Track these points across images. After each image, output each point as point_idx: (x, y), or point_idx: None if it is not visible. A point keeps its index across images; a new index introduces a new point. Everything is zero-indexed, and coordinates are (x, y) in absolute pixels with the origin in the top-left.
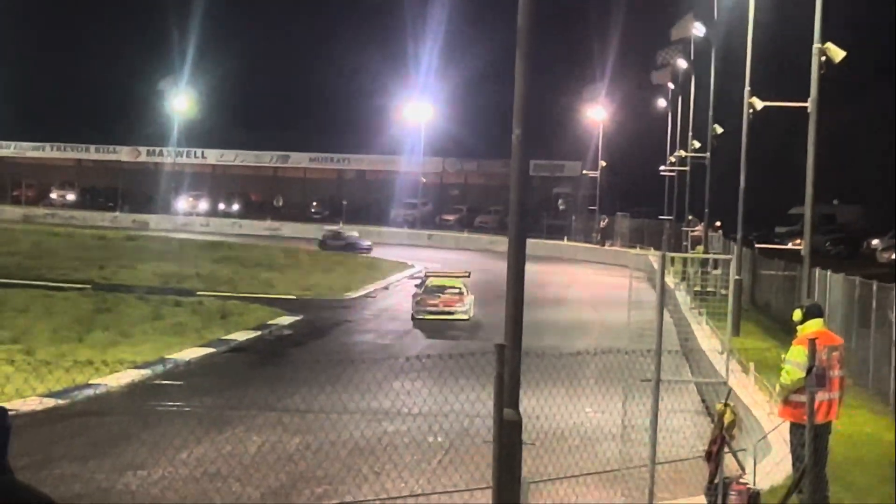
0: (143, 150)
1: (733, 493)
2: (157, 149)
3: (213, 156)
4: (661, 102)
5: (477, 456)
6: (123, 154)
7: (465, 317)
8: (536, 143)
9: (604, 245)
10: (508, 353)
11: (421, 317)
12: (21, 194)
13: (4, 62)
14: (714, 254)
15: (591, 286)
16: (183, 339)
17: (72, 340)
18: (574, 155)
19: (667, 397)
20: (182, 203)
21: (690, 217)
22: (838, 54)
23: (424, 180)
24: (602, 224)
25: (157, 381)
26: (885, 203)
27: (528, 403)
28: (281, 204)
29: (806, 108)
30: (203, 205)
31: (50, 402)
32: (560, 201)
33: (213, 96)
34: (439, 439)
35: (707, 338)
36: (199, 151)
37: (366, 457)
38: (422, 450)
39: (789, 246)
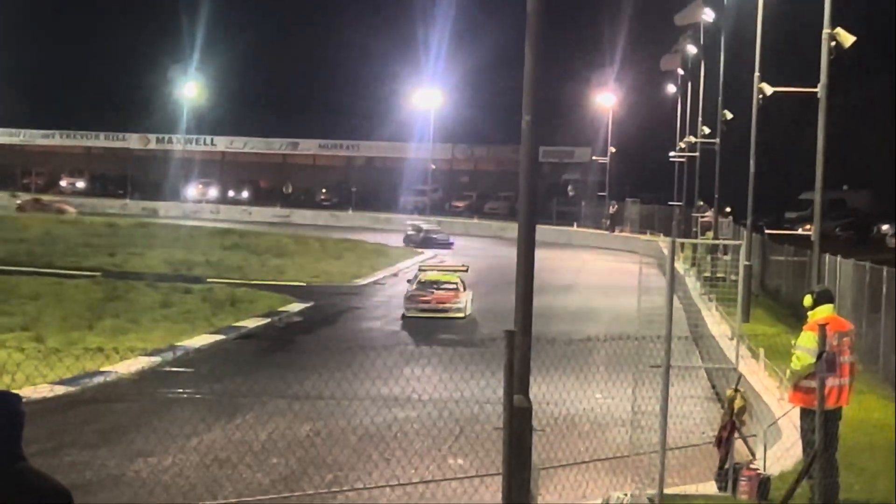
0: (152, 137)
1: (744, 478)
2: (167, 136)
3: (222, 143)
4: (671, 88)
5: (487, 442)
6: (133, 141)
7: (461, 314)
8: (546, 129)
9: (613, 231)
10: (518, 339)
11: (412, 314)
12: (31, 182)
13: (14, 50)
14: (724, 239)
15: (601, 272)
16: (193, 327)
17: (82, 328)
18: (583, 141)
19: (677, 383)
20: (191, 190)
21: (700, 203)
22: (848, 39)
23: (434, 167)
24: (612, 210)
25: (167, 369)
26: (894, 188)
27: (539, 390)
28: (290, 191)
29: (816, 93)
30: (212, 192)
31: (60, 390)
32: (570, 187)
33: (222, 83)
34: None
35: (717, 324)
36: (208, 138)
37: (376, 443)
38: (432, 436)
39: (799, 231)
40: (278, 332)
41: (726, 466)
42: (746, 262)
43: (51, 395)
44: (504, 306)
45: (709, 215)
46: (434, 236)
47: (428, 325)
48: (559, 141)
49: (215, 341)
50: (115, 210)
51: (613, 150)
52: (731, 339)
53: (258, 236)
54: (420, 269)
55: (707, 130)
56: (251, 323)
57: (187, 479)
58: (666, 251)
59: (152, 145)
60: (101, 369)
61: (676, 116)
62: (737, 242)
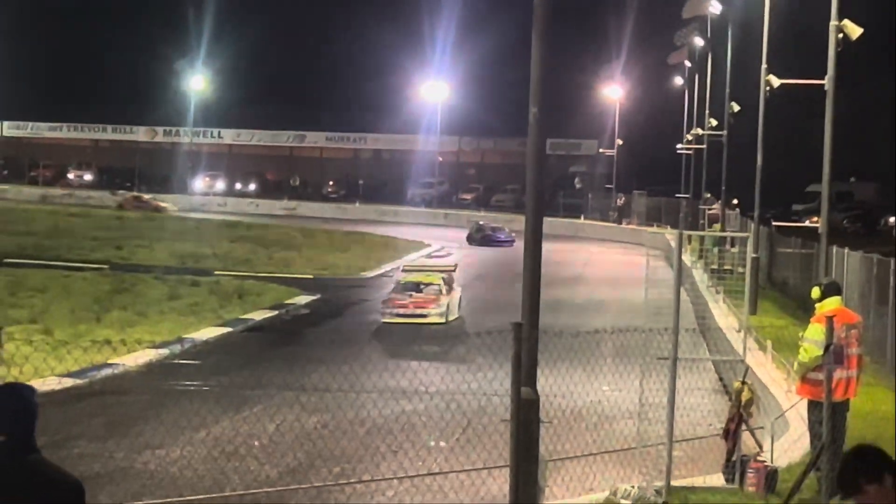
0: (159, 130)
1: (751, 470)
2: (174, 129)
3: (229, 135)
4: (678, 80)
5: (495, 434)
6: (140, 134)
7: (441, 320)
8: (553, 121)
9: (621, 223)
10: (526, 331)
11: (388, 321)
12: (38, 175)
13: (22, 43)
14: (731, 231)
15: (608, 264)
16: (200, 319)
17: (90, 320)
18: (590, 133)
19: (684, 375)
20: (199, 183)
21: (707, 195)
22: (855, 31)
23: (441, 159)
24: (619, 202)
25: (174, 361)
26: None
27: (546, 382)
28: (297, 183)
29: (823, 85)
30: (220, 184)
31: (68, 382)
32: (576, 179)
33: (229, 76)
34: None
35: (724, 316)
36: (215, 131)
37: (383, 435)
38: (439, 428)
39: (806, 223)
40: (285, 324)
41: (734, 458)
42: (754, 255)
43: (59, 387)
44: (502, 304)
45: (716, 207)
46: (493, 234)
47: (402, 333)
48: (566, 133)
49: (223, 334)
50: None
51: (620, 142)
52: (739, 331)
53: (265, 229)
54: (403, 270)
55: (714, 123)
56: (258, 315)
57: (195, 471)
58: (673, 243)
59: (159, 138)
60: (109, 361)
61: (683, 109)
62: (744, 234)
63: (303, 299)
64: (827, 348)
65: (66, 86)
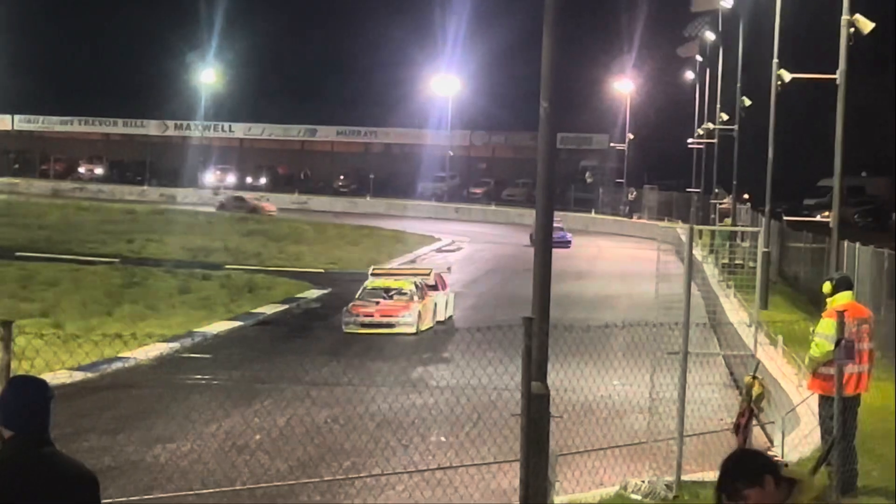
0: (170, 123)
1: None
2: (185, 122)
3: (240, 129)
4: (689, 75)
5: (505, 429)
6: (151, 128)
7: (411, 330)
8: (563, 115)
9: (631, 218)
10: (536, 326)
11: (349, 330)
12: (49, 168)
13: (33, 37)
14: (742, 226)
15: (619, 259)
16: (211, 313)
17: (100, 314)
18: (601, 128)
19: (695, 370)
20: (210, 176)
21: (718, 190)
22: (867, 26)
23: (452, 153)
24: (630, 197)
25: (185, 355)
26: None
27: (556, 376)
28: (308, 177)
29: (835, 79)
30: (230, 178)
31: (79, 376)
32: (587, 174)
33: (240, 70)
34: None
35: (735, 310)
36: (226, 125)
37: (394, 430)
38: (450, 423)
39: (818, 218)
40: (296, 318)
41: None
42: (765, 249)
43: (70, 381)
44: (515, 299)
45: (727, 202)
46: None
47: (363, 344)
48: (577, 127)
49: (233, 327)
50: (134, 196)
51: (632, 136)
52: (750, 325)
53: (276, 223)
54: (371, 273)
55: (725, 117)
56: (269, 309)
57: (206, 464)
58: (684, 238)
59: (170, 132)
60: (120, 355)
61: (694, 103)
62: (755, 229)
63: (313, 293)
64: (838, 343)
65: (77, 79)
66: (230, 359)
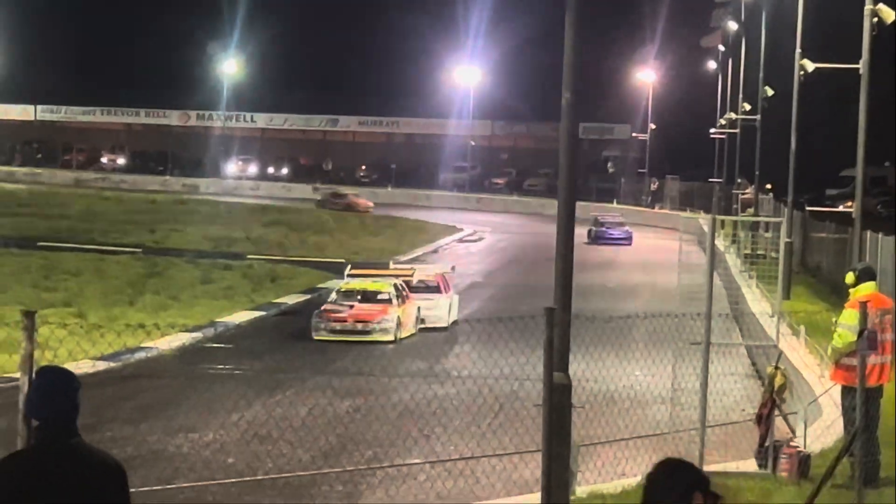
0: (192, 114)
1: (784, 455)
2: (207, 113)
3: (262, 119)
4: (712, 65)
5: (527, 419)
6: (173, 118)
7: (388, 337)
8: (585, 105)
9: (653, 208)
10: (558, 316)
11: (319, 337)
12: (72, 158)
13: (55, 27)
14: (764, 216)
15: (641, 249)
16: (233, 303)
17: (123, 304)
18: (623, 118)
19: (717, 360)
20: (231, 167)
21: (740, 180)
22: (890, 16)
23: (473, 143)
24: (652, 187)
25: (207, 345)
26: None
27: (578, 367)
28: (330, 168)
29: (858, 69)
30: (252, 168)
31: (102, 365)
32: (609, 164)
33: (262, 60)
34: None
35: (757, 301)
36: (248, 115)
37: (415, 420)
38: (471, 413)
39: (840, 208)
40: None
41: (766, 444)
42: (787, 239)
43: (92, 370)
44: (538, 289)
45: (749, 192)
46: (607, 230)
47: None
48: (599, 117)
49: (255, 318)
50: (156, 187)
51: (654, 126)
52: (772, 316)
53: (298, 213)
54: (348, 274)
55: (748, 107)
56: (291, 299)
57: (228, 454)
58: (706, 228)
59: (192, 122)
60: (142, 345)
61: (717, 93)
62: (778, 220)
63: (335, 283)
64: (861, 334)
65: (99, 70)
66: (252, 349)
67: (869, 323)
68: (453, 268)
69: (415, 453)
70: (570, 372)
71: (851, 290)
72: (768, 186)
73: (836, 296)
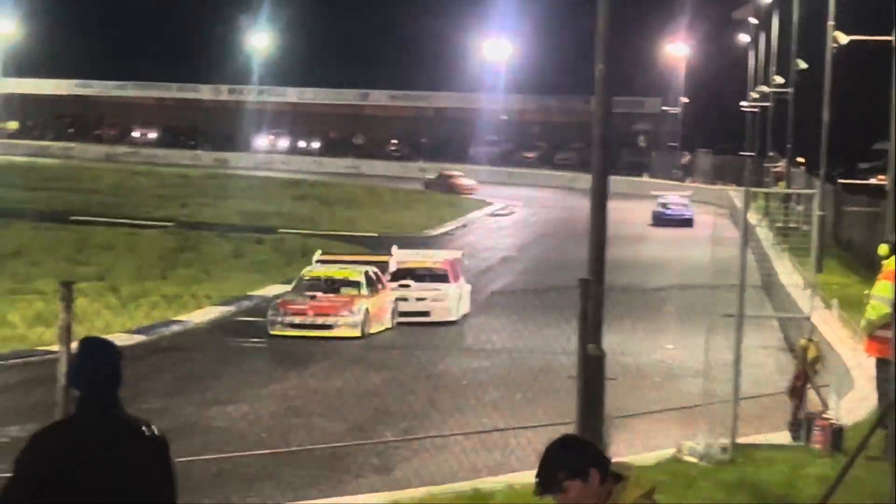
0: (224, 88)
1: (817, 428)
2: (239, 87)
3: (293, 94)
4: (744, 38)
5: (562, 391)
6: (205, 92)
7: (355, 333)
8: (616, 79)
9: (685, 182)
10: (592, 288)
11: (276, 332)
12: (103, 133)
13: (88, 2)
14: (797, 189)
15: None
16: (265, 277)
17: (155, 277)
18: (654, 91)
19: (749, 333)
20: (262, 141)
21: (772, 153)
22: None
23: (505, 117)
24: (684, 160)
25: (240, 318)
26: None
27: (611, 339)
28: (361, 142)
29: (891, 41)
30: (283, 143)
31: (137, 338)
32: (640, 138)
33: (293, 34)
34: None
35: (789, 273)
36: (279, 89)
37: (450, 392)
38: (505, 384)
39: (873, 181)
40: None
41: (799, 416)
42: (820, 212)
43: (128, 343)
44: (556, 268)
45: (781, 165)
46: (666, 211)
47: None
48: (629, 91)
49: (288, 291)
50: (187, 161)
51: (686, 100)
52: (804, 289)
53: (329, 187)
54: (316, 261)
55: (780, 80)
56: None
57: (262, 426)
58: (738, 202)
59: (224, 96)
60: (176, 318)
61: (748, 66)
62: (810, 192)
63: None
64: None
65: (131, 45)
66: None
67: None
68: (463, 254)
69: (450, 424)
70: (603, 344)
71: (884, 262)
72: (800, 160)
73: (868, 269)
